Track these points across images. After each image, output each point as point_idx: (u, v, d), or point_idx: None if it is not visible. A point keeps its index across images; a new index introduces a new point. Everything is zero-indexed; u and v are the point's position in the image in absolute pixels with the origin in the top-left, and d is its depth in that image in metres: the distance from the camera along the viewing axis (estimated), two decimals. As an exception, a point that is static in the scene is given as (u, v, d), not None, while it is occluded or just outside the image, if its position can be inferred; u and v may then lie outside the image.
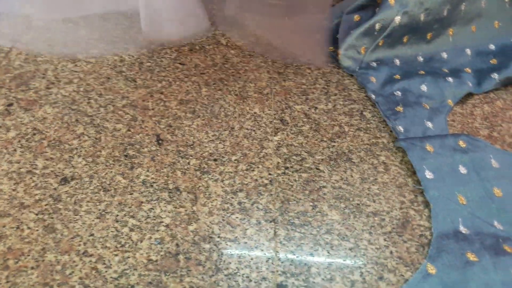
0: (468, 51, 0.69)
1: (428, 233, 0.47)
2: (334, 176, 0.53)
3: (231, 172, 0.52)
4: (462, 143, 0.54)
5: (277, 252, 0.45)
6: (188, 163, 0.53)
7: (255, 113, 0.60)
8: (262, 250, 0.45)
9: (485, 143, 0.55)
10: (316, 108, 0.61)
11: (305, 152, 0.55)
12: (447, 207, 0.48)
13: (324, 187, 0.51)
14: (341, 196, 0.50)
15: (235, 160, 0.54)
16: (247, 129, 0.58)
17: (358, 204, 0.50)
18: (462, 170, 0.51)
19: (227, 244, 0.45)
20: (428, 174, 0.51)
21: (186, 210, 0.48)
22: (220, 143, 0.56)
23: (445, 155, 0.52)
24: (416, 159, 0.53)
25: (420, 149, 0.53)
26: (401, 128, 0.57)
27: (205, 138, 0.56)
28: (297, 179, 0.52)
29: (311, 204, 0.50)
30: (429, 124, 0.59)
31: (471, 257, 0.44)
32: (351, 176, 0.53)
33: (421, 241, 0.46)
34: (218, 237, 0.46)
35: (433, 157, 0.52)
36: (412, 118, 0.59)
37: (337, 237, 0.46)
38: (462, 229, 0.47)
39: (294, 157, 0.55)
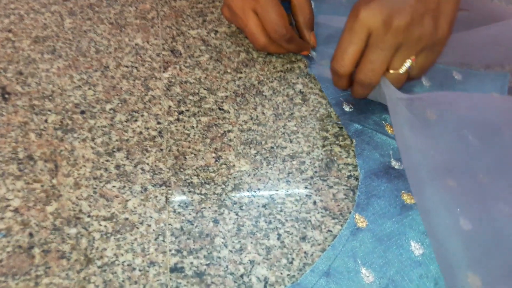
0: None
1: (358, 173, 0.38)
2: (242, 116, 0.41)
3: (105, 127, 0.39)
4: None
5: (169, 225, 0.34)
6: (45, 120, 0.39)
7: (136, 44, 0.46)
8: (149, 226, 0.34)
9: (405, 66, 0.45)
10: (216, 32, 0.48)
11: (205, 89, 0.43)
12: (373, 140, 0.40)
13: (229, 131, 0.40)
14: (251, 140, 0.40)
15: (111, 109, 0.41)
16: (126, 66, 0.44)
17: (272, 148, 0.39)
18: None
19: (100, 225, 0.34)
20: (347, 107, 0.42)
21: (42, 186, 0.35)
22: (89, 88, 0.42)
23: None
24: (331, 90, 0.43)
25: None
26: (313, 52, 0.47)
27: (69, 85, 0.42)
28: (195, 125, 0.40)
29: (214, 155, 0.38)
30: None
31: (408, 198, 0.36)
32: (263, 113, 0.42)
33: (350, 184, 0.37)
34: (88, 216, 0.34)
35: None
36: (327, 38, 0.48)
37: (247, 193, 0.36)
38: (395, 163, 0.38)
39: (191, 97, 0.42)
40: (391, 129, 0.40)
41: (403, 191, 0.36)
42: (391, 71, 0.37)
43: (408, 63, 0.37)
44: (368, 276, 0.32)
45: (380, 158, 0.38)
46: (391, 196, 0.36)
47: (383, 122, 0.41)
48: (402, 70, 0.37)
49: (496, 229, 0.33)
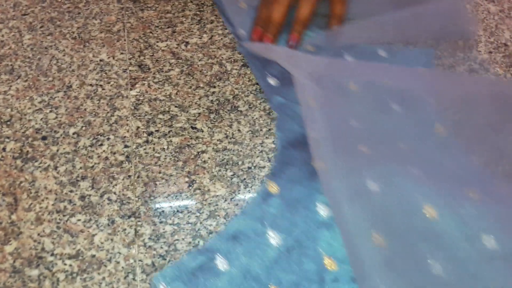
0: None
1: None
2: (217, 135, 0.39)
3: (69, 153, 0.37)
4: (311, 48, 0.46)
5: (140, 261, 0.32)
6: (3, 149, 0.36)
7: (101, 60, 0.43)
8: (118, 263, 0.31)
9: (337, 42, 0.46)
10: (187, 43, 0.46)
11: (176, 106, 0.41)
12: (295, 112, 0.40)
13: (203, 152, 0.38)
14: (226, 161, 0.37)
15: (74, 133, 0.38)
16: (91, 85, 0.41)
17: (249, 168, 0.37)
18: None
19: (65, 264, 0.31)
20: (272, 81, 0.42)
21: (0, 223, 0.33)
22: (51, 111, 0.39)
23: None
24: (257, 67, 0.43)
25: (263, 59, 0.44)
26: (243, 32, 0.46)
27: (29, 108, 0.39)
28: (165, 147, 0.38)
29: (187, 179, 0.36)
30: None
31: (318, 164, 0.36)
32: (239, 130, 0.40)
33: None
34: (52, 254, 0.31)
35: (277, 62, 0.43)
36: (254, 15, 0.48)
37: (223, 220, 0.34)
38: (313, 134, 0.39)
39: (161, 116, 0.40)
40: (314, 102, 0.41)
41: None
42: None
43: None
44: (274, 238, 0.33)
45: (298, 129, 0.39)
46: (303, 163, 0.37)
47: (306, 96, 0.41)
48: None
49: (401, 191, 0.34)
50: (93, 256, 0.32)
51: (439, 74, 0.46)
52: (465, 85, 0.44)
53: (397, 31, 0.48)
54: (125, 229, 0.33)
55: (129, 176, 0.36)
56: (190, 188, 0.36)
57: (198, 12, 0.49)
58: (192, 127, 0.39)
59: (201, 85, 0.42)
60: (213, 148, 0.38)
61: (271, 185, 0.35)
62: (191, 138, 0.39)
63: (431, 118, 0.41)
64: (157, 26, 0.47)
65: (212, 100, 0.41)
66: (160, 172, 0.36)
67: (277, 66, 0.43)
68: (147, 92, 0.41)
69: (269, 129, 0.40)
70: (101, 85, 0.41)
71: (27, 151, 0.36)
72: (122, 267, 0.31)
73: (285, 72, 0.43)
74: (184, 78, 0.43)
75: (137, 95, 0.41)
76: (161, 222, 0.33)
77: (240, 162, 0.37)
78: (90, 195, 0.34)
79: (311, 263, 0.32)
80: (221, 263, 0.31)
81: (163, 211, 0.34)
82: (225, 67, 0.44)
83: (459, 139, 0.40)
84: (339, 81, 0.42)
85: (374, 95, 0.42)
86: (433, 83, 0.43)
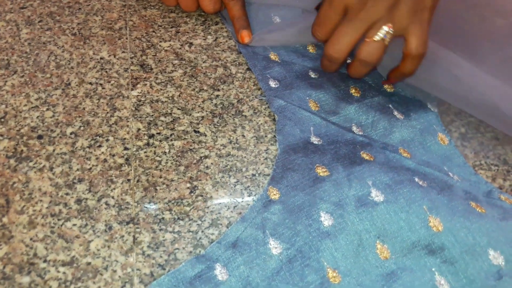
0: None
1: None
2: (220, 140, 0.38)
3: (65, 154, 0.35)
4: (311, 49, 0.46)
5: (137, 270, 0.30)
6: (-4, 147, 0.35)
7: (102, 58, 0.42)
8: (114, 272, 0.30)
9: None
10: (191, 44, 0.44)
11: (178, 109, 0.39)
12: (295, 116, 0.39)
13: (206, 157, 0.36)
14: (230, 167, 0.36)
15: (72, 133, 0.36)
16: (90, 83, 0.40)
17: (253, 175, 0.36)
18: (313, 74, 0.43)
19: (58, 271, 0.29)
20: (272, 83, 0.41)
21: (-9, 225, 0.31)
22: (48, 109, 0.37)
23: (292, 63, 0.44)
24: (258, 67, 0.43)
25: (263, 58, 0.44)
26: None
27: (25, 105, 0.37)
28: (167, 151, 0.36)
29: (189, 185, 0.35)
30: (277, 19, 0.47)
31: (321, 171, 0.35)
32: (243, 136, 0.38)
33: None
34: (45, 261, 0.30)
35: (278, 65, 0.43)
36: (256, 11, 0.47)
37: (226, 229, 0.33)
38: (314, 139, 0.38)
39: (162, 118, 0.38)
40: (315, 105, 0.40)
41: (317, 164, 0.36)
42: (367, 40, 0.38)
43: (384, 30, 0.37)
44: (276, 248, 0.31)
45: (300, 134, 0.38)
46: (305, 169, 0.35)
47: (307, 98, 0.41)
48: (377, 37, 0.37)
49: (406, 201, 0.33)
50: (89, 263, 0.30)
51: None
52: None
53: None
54: (123, 236, 0.31)
55: (128, 180, 0.34)
56: (192, 194, 0.34)
57: (202, 13, 0.47)
58: (195, 131, 0.38)
59: (205, 88, 0.41)
60: (216, 154, 0.37)
61: (272, 190, 0.34)
62: (193, 142, 0.37)
63: (433, 128, 0.40)
64: (160, 26, 0.45)
65: (216, 104, 0.40)
66: (160, 177, 0.35)
67: (279, 68, 0.43)
68: (148, 93, 0.40)
69: (274, 136, 0.38)
70: (101, 84, 0.40)
71: (22, 150, 0.35)
72: (119, 276, 0.30)
73: (287, 74, 0.42)
74: (187, 80, 0.41)
75: (138, 95, 0.39)
76: (160, 230, 0.32)
77: (244, 169, 0.36)
78: (86, 199, 0.33)
79: (314, 275, 0.31)
80: (220, 272, 0.30)
81: (163, 218, 0.33)
82: (230, 70, 0.43)
83: (466, 151, 0.39)
84: (340, 85, 0.42)
85: (376, 101, 0.41)
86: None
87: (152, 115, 0.38)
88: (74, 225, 0.32)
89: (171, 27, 0.45)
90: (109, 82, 0.40)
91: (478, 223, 0.32)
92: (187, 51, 0.44)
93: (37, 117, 0.37)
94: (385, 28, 0.37)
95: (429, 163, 0.38)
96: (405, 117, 0.41)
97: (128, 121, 0.38)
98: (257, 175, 0.36)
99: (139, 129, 0.37)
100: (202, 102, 0.40)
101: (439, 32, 0.42)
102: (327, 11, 0.38)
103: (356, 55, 0.39)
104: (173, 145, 0.37)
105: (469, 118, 0.42)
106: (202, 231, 0.32)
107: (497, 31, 0.46)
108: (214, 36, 0.45)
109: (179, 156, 0.36)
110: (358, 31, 0.37)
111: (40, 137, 0.36)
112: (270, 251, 0.31)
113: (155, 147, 0.36)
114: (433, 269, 0.32)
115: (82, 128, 0.37)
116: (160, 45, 0.44)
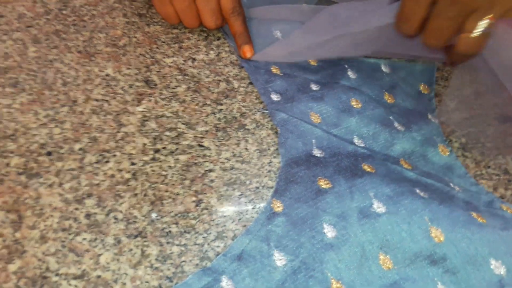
0: None
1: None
2: (224, 153, 0.39)
3: (74, 170, 0.36)
4: (313, 61, 0.47)
5: (146, 282, 0.31)
6: (7, 164, 0.36)
7: (107, 75, 0.43)
8: (124, 284, 0.31)
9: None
10: (194, 59, 0.46)
11: (183, 123, 0.40)
12: (297, 129, 0.40)
13: (211, 171, 0.38)
14: (234, 181, 0.37)
15: (80, 149, 0.37)
16: (96, 100, 0.41)
17: (257, 188, 0.37)
18: (314, 87, 0.44)
19: (70, 284, 0.30)
20: (274, 96, 0.42)
21: (4, 241, 0.32)
22: (56, 126, 0.39)
23: (294, 76, 0.45)
24: (260, 81, 0.44)
25: (265, 72, 0.45)
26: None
27: (34, 122, 0.39)
28: (172, 165, 0.37)
29: (194, 199, 0.36)
30: (278, 34, 0.49)
31: (324, 184, 0.36)
32: (246, 149, 0.39)
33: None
34: (56, 274, 0.31)
35: (280, 78, 0.44)
36: (257, 26, 0.48)
37: (231, 242, 0.34)
38: (316, 152, 0.39)
39: (167, 133, 0.40)
40: (317, 118, 0.41)
41: (320, 177, 0.36)
42: (466, 34, 0.34)
43: (483, 24, 0.34)
44: (280, 259, 0.32)
45: (302, 147, 0.39)
46: (308, 182, 0.36)
47: (308, 111, 0.41)
48: (476, 32, 0.34)
49: (408, 212, 0.34)
50: (99, 276, 0.31)
51: None
52: None
53: (401, 45, 0.47)
54: (131, 249, 0.32)
55: (136, 194, 0.35)
56: (198, 207, 0.35)
57: (204, 29, 0.49)
58: (199, 145, 0.39)
59: (208, 102, 0.42)
60: (220, 167, 0.38)
61: (276, 203, 0.35)
62: (198, 156, 0.38)
63: (434, 139, 0.41)
64: (164, 42, 0.47)
65: (219, 118, 0.41)
66: (167, 191, 0.36)
67: (280, 81, 0.44)
68: (153, 108, 0.41)
69: (277, 148, 0.40)
70: (107, 100, 0.41)
71: (32, 167, 0.36)
72: (129, 289, 0.31)
73: (288, 87, 0.43)
74: (191, 95, 0.42)
75: (143, 111, 0.41)
76: (168, 243, 0.33)
77: (247, 182, 0.37)
78: (95, 213, 0.34)
79: (318, 286, 0.32)
80: (226, 284, 0.31)
81: (170, 231, 0.34)
82: (232, 84, 0.44)
83: (467, 161, 0.40)
84: (341, 97, 0.43)
85: (376, 113, 0.42)
86: None
87: (157, 130, 0.39)
88: (84, 239, 0.33)
89: (174, 43, 0.47)
90: (115, 98, 0.41)
91: (479, 233, 0.33)
92: (190, 66, 0.45)
93: (46, 134, 0.38)
94: (486, 21, 0.34)
95: (430, 174, 0.39)
96: (405, 129, 0.42)
97: (134, 137, 0.39)
98: (260, 187, 0.37)
99: (145, 144, 0.38)
100: (206, 116, 0.41)
101: None
102: (413, 6, 0.35)
103: (455, 47, 0.36)
104: (178, 159, 0.38)
105: (469, 128, 0.43)
106: (208, 244, 0.33)
107: None
108: (217, 51, 0.47)
109: (184, 170, 0.37)
110: (456, 21, 0.34)
111: (49, 153, 0.37)
112: (274, 263, 0.32)
113: (161, 161, 0.37)
114: (435, 279, 0.32)
115: (89, 144, 0.38)
116: (163, 61, 0.45)
